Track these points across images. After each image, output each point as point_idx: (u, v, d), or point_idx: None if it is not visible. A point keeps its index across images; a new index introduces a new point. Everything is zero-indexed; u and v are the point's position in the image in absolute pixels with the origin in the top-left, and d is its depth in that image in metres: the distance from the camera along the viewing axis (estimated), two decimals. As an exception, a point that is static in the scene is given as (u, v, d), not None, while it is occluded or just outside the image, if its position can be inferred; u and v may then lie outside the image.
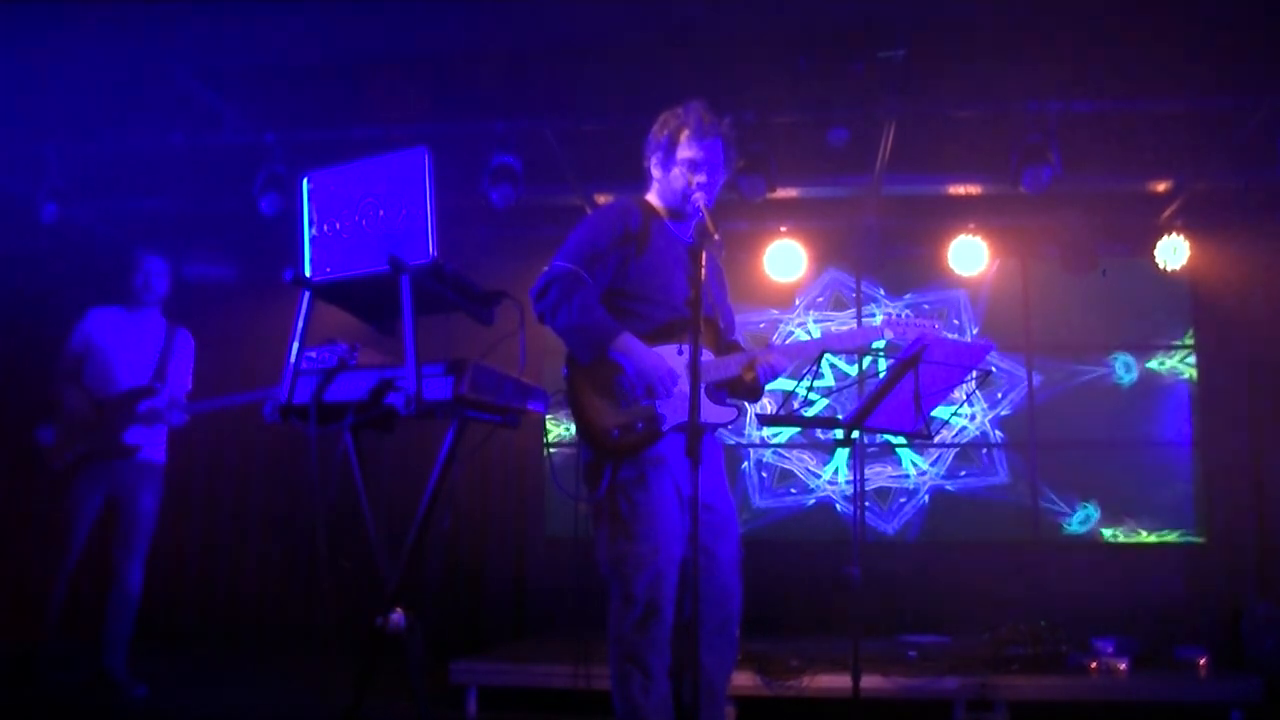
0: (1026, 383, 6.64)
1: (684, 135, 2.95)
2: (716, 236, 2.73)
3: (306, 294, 2.63)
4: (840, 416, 3.42)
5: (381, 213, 2.52)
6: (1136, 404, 6.59)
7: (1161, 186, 5.97)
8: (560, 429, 5.80)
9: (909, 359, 3.00)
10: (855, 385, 6.68)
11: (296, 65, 5.18)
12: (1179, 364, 6.51)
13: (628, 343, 2.79)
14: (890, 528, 6.64)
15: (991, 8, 4.70)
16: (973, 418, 6.67)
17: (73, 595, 5.01)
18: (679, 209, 3.00)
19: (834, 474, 6.72)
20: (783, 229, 6.34)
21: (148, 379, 4.67)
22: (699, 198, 2.89)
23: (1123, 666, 4.47)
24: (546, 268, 2.87)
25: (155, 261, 4.80)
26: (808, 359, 3.04)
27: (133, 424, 4.58)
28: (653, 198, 3.08)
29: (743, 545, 2.97)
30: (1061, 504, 6.53)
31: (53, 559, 4.58)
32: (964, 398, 5.82)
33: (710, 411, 2.88)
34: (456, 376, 2.38)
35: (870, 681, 4.18)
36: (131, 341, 4.74)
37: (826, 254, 6.72)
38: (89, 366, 4.69)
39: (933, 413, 3.18)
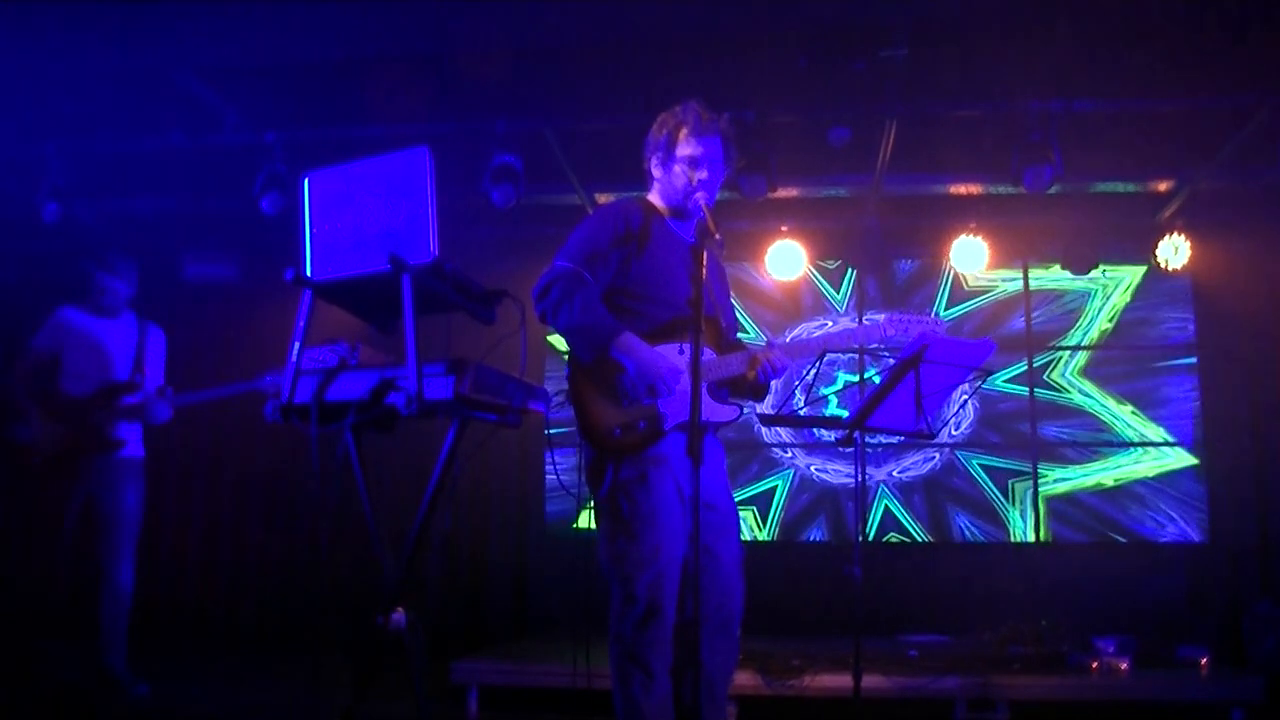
0: (1028, 385, 6.66)
1: (683, 133, 2.95)
2: (718, 235, 2.72)
3: (307, 293, 2.63)
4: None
5: (382, 212, 2.52)
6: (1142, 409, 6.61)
7: (1162, 186, 5.97)
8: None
9: (911, 357, 3.00)
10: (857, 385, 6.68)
11: (296, 65, 5.16)
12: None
13: (629, 342, 2.79)
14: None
15: (992, 7, 4.69)
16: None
17: (73, 595, 5.00)
18: (680, 207, 2.99)
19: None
20: (784, 228, 6.34)
21: (127, 374, 4.67)
22: (700, 196, 2.89)
23: (1124, 666, 4.47)
24: (548, 267, 2.88)
25: (110, 275, 4.72)
26: (810, 356, 3.03)
27: (116, 420, 4.58)
28: (654, 197, 3.07)
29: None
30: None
31: (41, 558, 4.57)
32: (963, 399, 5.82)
33: (712, 410, 2.89)
34: (457, 376, 2.38)
35: (871, 681, 4.18)
36: (107, 338, 4.73)
37: (828, 253, 6.72)
38: (65, 363, 4.66)
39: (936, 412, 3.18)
